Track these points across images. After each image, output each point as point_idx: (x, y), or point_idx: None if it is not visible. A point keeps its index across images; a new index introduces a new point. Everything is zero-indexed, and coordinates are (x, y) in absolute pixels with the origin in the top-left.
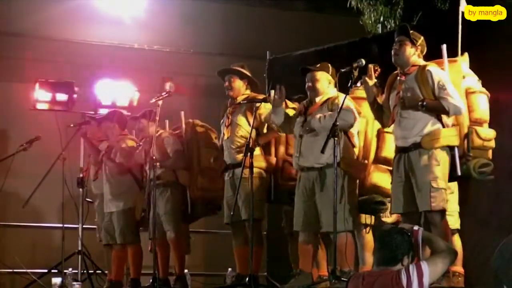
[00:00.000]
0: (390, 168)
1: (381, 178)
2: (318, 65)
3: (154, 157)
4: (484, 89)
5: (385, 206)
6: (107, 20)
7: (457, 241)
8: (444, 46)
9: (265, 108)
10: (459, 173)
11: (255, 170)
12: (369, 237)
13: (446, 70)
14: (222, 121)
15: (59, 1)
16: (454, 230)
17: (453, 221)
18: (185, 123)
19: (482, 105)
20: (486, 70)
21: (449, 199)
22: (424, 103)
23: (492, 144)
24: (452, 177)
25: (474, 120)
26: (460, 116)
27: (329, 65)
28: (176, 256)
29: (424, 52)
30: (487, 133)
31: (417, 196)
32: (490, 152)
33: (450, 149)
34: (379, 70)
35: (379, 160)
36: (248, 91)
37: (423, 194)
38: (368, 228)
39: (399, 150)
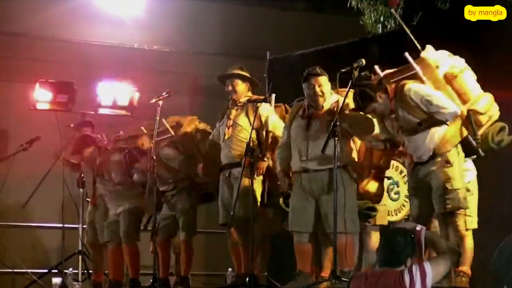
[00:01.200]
0: (384, 176)
1: (373, 185)
2: (319, 70)
3: (153, 157)
4: (463, 67)
5: (375, 212)
6: (107, 20)
7: (468, 241)
8: (406, 54)
9: (264, 109)
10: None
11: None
12: (373, 238)
13: (420, 72)
14: (222, 122)
15: (60, 1)
16: (469, 230)
17: (471, 221)
18: (171, 127)
19: (468, 83)
20: (486, 70)
21: (469, 201)
22: (422, 126)
23: (496, 112)
24: (469, 153)
25: (468, 100)
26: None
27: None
28: (185, 257)
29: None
30: (484, 106)
31: (433, 198)
32: (497, 119)
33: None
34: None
35: (374, 167)
36: (249, 93)
37: (438, 196)
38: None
39: (416, 164)
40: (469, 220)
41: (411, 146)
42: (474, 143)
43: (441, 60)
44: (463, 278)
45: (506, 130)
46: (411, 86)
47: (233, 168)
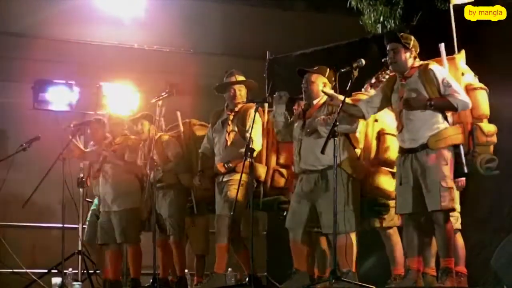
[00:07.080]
0: (392, 170)
1: (384, 180)
2: (316, 68)
3: (154, 158)
4: (482, 85)
5: (388, 207)
6: (107, 20)
7: (459, 240)
8: (442, 45)
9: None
10: (466, 170)
11: (244, 176)
12: (396, 238)
13: (446, 68)
14: (218, 128)
15: (59, 1)
16: (456, 230)
17: (453, 221)
18: (182, 124)
19: (483, 101)
20: (486, 70)
21: None
22: (432, 102)
23: (495, 139)
24: (458, 174)
25: (477, 117)
26: (463, 114)
27: (328, 68)
28: (177, 257)
29: (418, 51)
30: (490, 129)
31: (426, 196)
32: (492, 147)
33: (454, 147)
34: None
35: (381, 162)
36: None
37: (433, 194)
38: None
39: (405, 151)
40: (453, 220)
41: (409, 125)
42: (462, 156)
43: (468, 71)
44: (462, 278)
45: (495, 163)
46: (437, 66)
47: (227, 173)
